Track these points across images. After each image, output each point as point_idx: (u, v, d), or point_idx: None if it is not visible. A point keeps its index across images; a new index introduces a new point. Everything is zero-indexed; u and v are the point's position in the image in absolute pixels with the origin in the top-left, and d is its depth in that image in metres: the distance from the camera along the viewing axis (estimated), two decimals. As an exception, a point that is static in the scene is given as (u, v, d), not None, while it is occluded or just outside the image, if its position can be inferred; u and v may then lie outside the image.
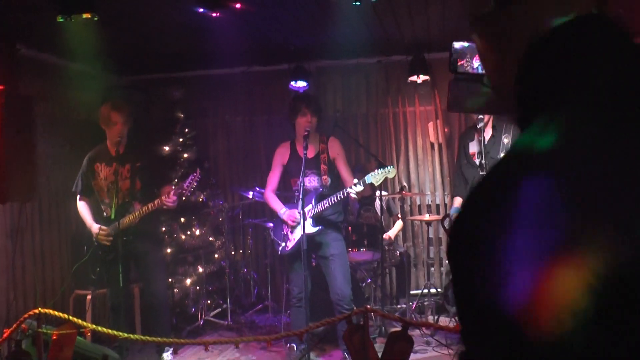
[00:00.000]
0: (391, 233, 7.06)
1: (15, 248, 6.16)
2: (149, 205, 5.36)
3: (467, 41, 1.53)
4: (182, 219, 7.49)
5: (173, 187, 5.55)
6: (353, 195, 5.15)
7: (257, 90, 8.41)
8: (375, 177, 5.10)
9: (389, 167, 5.19)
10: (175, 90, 7.86)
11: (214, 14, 4.49)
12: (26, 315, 4.11)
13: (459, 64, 1.53)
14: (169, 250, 7.17)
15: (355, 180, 5.17)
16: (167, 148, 7.63)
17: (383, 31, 6.86)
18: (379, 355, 3.86)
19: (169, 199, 5.30)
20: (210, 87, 8.42)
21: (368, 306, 5.00)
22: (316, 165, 5.42)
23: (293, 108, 5.45)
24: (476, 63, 1.51)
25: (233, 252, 7.96)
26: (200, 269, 7.43)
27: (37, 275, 6.62)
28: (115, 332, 4.21)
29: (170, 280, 7.00)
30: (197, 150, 7.98)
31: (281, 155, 5.64)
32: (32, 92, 5.17)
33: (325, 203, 5.23)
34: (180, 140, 7.77)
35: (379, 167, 5.24)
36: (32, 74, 6.35)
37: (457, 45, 1.52)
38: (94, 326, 4.26)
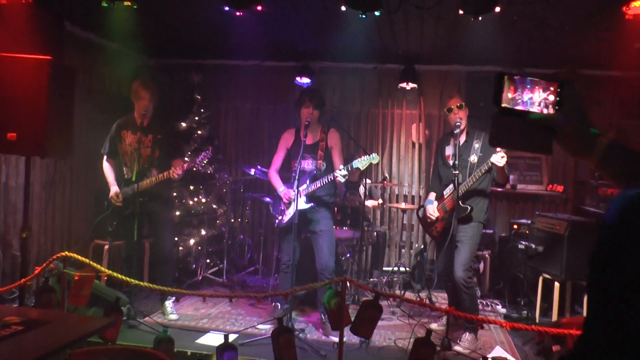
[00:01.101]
0: (369, 203, 7.12)
1: (48, 198, 6.19)
2: (164, 174, 5.40)
3: (518, 74, 1.39)
4: (192, 187, 7.53)
5: (183, 161, 5.59)
6: (339, 179, 5.17)
7: (265, 82, 8.41)
8: (361, 162, 5.14)
9: (373, 155, 5.23)
10: (195, 75, 7.90)
11: (238, 13, 4.50)
12: (54, 257, 4.14)
13: (510, 95, 1.38)
14: (177, 213, 7.20)
15: (341, 167, 5.21)
16: (184, 124, 7.66)
17: (380, 42, 6.89)
18: (352, 318, 3.90)
19: (177, 172, 5.36)
20: (226, 75, 8.42)
21: (347, 277, 5.06)
22: (314, 151, 5.46)
23: (299, 100, 5.49)
24: (526, 97, 1.37)
25: (232, 220, 7.98)
26: (203, 232, 7.47)
27: (64, 223, 6.66)
28: (128, 279, 4.24)
29: (176, 239, 7.04)
30: (210, 129, 8.01)
31: (286, 140, 5.67)
32: (74, 64, 5.16)
33: (318, 183, 5.28)
34: (196, 118, 7.80)
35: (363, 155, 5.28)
36: (75, 49, 6.35)
37: (507, 76, 1.38)
38: (109, 272, 4.28)
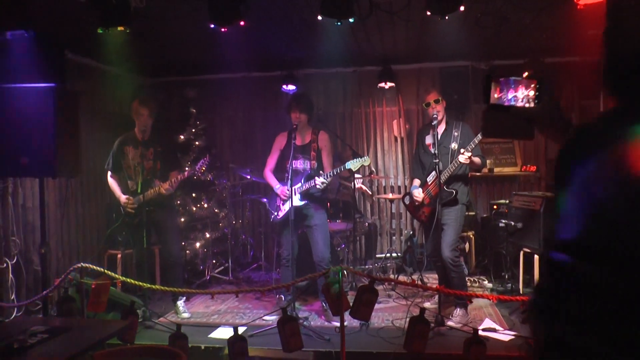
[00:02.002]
0: (362, 186, 7.18)
1: (63, 215, 6.20)
2: (155, 189, 5.43)
3: (505, 76, 1.53)
4: (194, 194, 7.54)
5: (180, 172, 5.62)
6: (318, 185, 5.22)
7: (255, 91, 8.42)
8: (353, 164, 5.18)
9: (365, 157, 5.28)
10: (190, 90, 7.91)
11: (223, 29, 4.51)
12: (71, 269, 4.16)
13: (496, 95, 1.52)
14: (182, 219, 7.22)
15: (322, 174, 5.24)
16: (182, 137, 7.68)
17: (358, 46, 6.92)
18: (350, 303, 3.93)
19: (165, 186, 5.42)
20: (218, 88, 8.43)
21: (343, 265, 5.10)
22: (306, 152, 5.49)
23: (288, 105, 5.52)
24: (511, 95, 1.52)
25: (234, 222, 8.00)
26: (207, 235, 7.47)
27: (79, 237, 6.67)
28: (140, 283, 4.27)
29: (183, 243, 7.05)
30: (206, 139, 8.02)
31: (279, 142, 5.69)
32: (76, 89, 5.19)
33: (312, 182, 5.31)
34: (193, 130, 7.81)
35: (355, 157, 5.32)
36: (76, 75, 6.36)
37: (495, 78, 1.52)
38: (123, 278, 4.31)
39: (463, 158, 4.96)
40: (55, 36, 4.30)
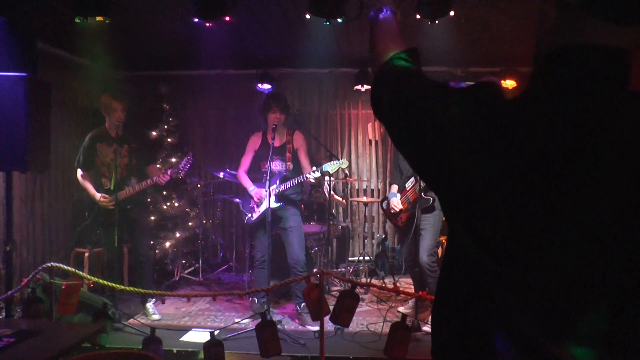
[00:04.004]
0: (337, 197, 7.08)
1: (29, 211, 5.94)
2: (148, 181, 5.25)
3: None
4: (165, 192, 7.34)
5: (158, 166, 5.45)
6: (311, 180, 5.14)
7: (229, 89, 8.27)
8: (331, 166, 5.11)
9: (343, 160, 5.22)
10: (162, 86, 7.71)
11: (208, 24, 4.37)
12: (40, 268, 3.95)
13: None
14: (153, 218, 7.02)
15: (314, 168, 5.16)
16: (154, 133, 7.48)
17: (336, 48, 6.84)
18: (331, 308, 3.85)
19: (165, 178, 5.22)
20: (191, 85, 8.24)
21: (323, 269, 5.01)
22: (282, 153, 5.38)
23: (265, 105, 5.37)
24: None
25: (205, 221, 7.84)
26: (178, 234, 7.30)
27: (45, 234, 6.40)
28: (114, 285, 4.09)
29: (153, 242, 6.85)
30: (179, 136, 7.83)
31: (254, 143, 5.56)
32: (46, 80, 4.96)
33: (288, 184, 5.21)
34: (165, 127, 7.62)
35: (331, 159, 5.25)
36: (46, 65, 6.09)
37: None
38: (95, 279, 4.12)
39: None
40: (27, 23, 4.10)
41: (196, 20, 4.29)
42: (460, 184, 0.95)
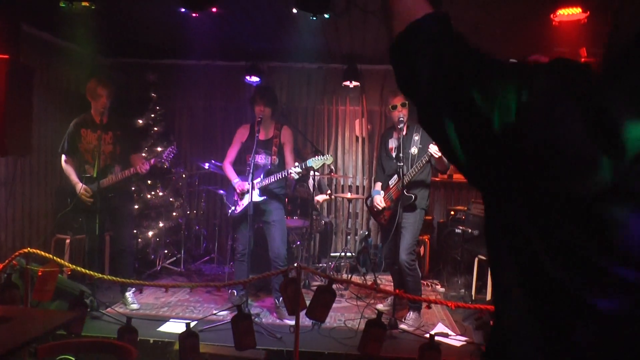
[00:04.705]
0: (319, 198, 7.09)
1: (8, 195, 5.89)
2: (130, 170, 5.23)
3: None
4: (149, 181, 7.31)
5: (141, 156, 5.43)
6: (293, 175, 5.14)
7: (217, 80, 8.25)
8: (315, 162, 5.10)
9: (327, 155, 5.21)
10: (151, 74, 7.66)
11: (194, 14, 4.35)
12: (17, 254, 3.92)
13: None
14: (136, 207, 6.99)
15: (296, 164, 5.16)
16: (141, 121, 7.44)
17: (326, 43, 6.84)
18: (307, 303, 3.86)
19: (145, 167, 5.21)
20: (180, 75, 8.20)
21: (300, 264, 5.01)
22: (268, 147, 5.37)
23: (252, 97, 5.37)
24: None
25: (188, 212, 7.82)
26: (161, 224, 7.28)
27: (25, 220, 6.35)
28: (92, 273, 4.07)
29: (135, 231, 6.83)
30: (165, 125, 7.78)
31: (241, 134, 5.55)
32: (30, 63, 4.91)
33: (272, 178, 5.21)
34: (152, 115, 7.57)
35: (317, 154, 5.25)
36: (32, 49, 6.06)
37: None
38: (73, 266, 4.09)
39: (435, 149, 4.79)
40: (10, 6, 4.06)
41: (183, 10, 4.27)
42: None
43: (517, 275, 0.88)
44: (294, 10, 4.23)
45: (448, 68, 0.95)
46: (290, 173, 5.12)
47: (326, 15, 4.12)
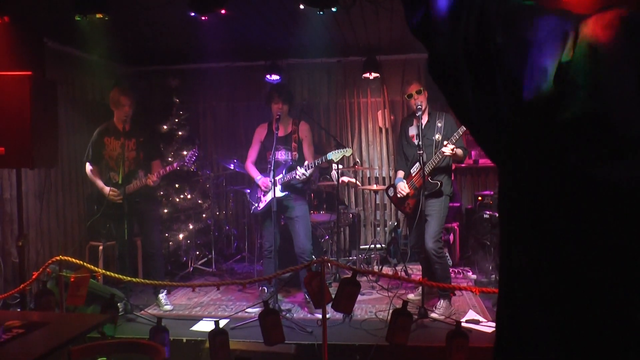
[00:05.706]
0: (344, 179, 7.13)
1: (42, 206, 6.10)
2: (142, 180, 5.39)
3: None
4: (177, 185, 7.47)
5: (163, 162, 5.59)
6: (299, 176, 5.20)
7: (238, 81, 8.34)
8: (335, 154, 5.17)
9: (346, 148, 5.28)
10: (172, 80, 7.79)
11: (203, 18, 4.44)
12: (50, 262, 4.09)
13: None
14: (165, 210, 7.15)
15: (306, 163, 5.23)
16: (165, 127, 7.59)
17: (342, 37, 6.87)
18: (332, 296, 3.90)
19: (153, 178, 5.38)
20: (201, 78, 8.33)
21: (325, 257, 5.08)
22: (288, 143, 5.44)
23: (268, 96, 5.46)
24: None
25: (217, 213, 7.96)
26: (191, 226, 7.42)
27: (59, 229, 6.58)
28: (120, 276, 4.21)
29: (166, 234, 6.99)
30: (189, 129, 7.93)
31: (259, 134, 5.64)
32: (56, 77, 5.08)
33: (294, 173, 5.27)
34: (176, 120, 7.72)
35: (337, 147, 5.31)
36: (56, 63, 6.25)
37: None
38: (103, 271, 4.24)
39: (447, 150, 4.94)
40: (31, 22, 4.21)
41: (192, 14, 4.36)
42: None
43: (535, 255, 0.81)
44: (301, 7, 4.27)
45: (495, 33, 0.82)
46: (297, 175, 5.19)
47: (333, 9, 4.16)
